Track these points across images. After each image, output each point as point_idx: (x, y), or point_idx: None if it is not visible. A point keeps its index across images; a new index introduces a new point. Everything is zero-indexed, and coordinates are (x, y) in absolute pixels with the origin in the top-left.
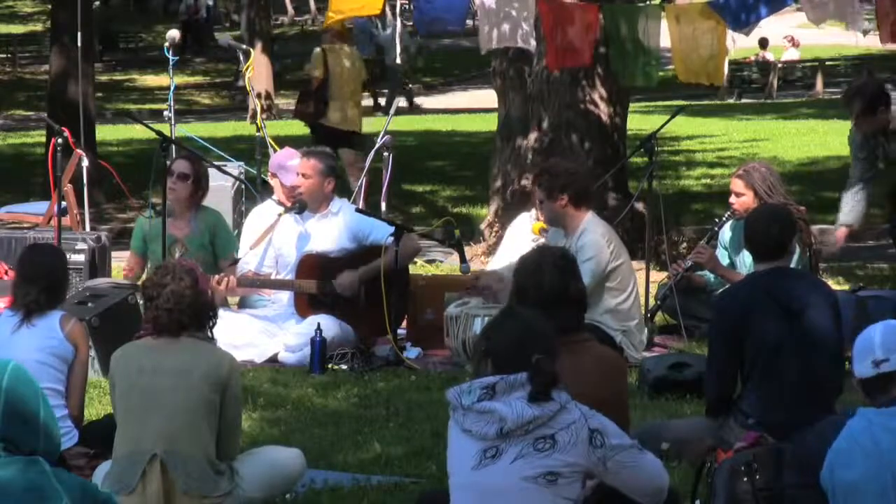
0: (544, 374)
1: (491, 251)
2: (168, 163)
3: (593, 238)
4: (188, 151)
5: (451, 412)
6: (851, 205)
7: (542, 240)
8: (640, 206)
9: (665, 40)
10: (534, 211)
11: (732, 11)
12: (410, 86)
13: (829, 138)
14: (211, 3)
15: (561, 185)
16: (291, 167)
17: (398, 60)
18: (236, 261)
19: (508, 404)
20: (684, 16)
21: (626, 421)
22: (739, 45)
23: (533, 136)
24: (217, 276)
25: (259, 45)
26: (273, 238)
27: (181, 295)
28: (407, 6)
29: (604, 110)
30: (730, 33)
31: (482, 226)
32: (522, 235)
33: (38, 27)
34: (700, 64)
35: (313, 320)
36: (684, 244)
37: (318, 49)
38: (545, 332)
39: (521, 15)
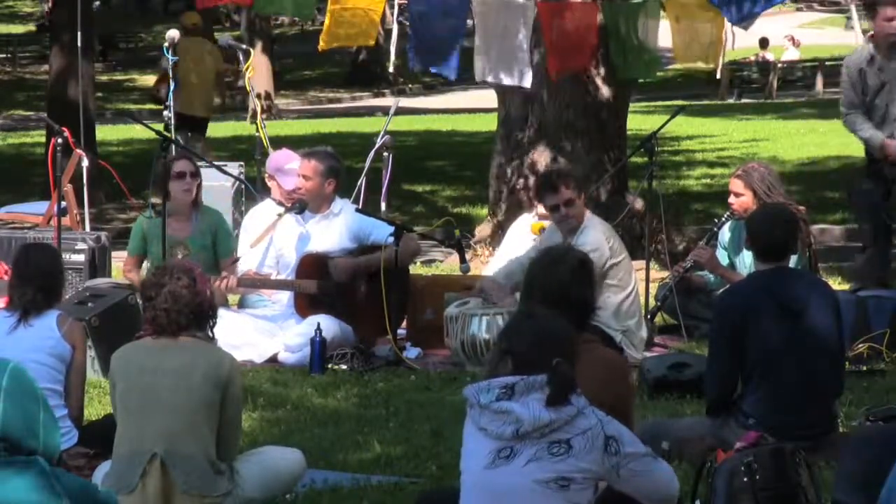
0: (563, 379)
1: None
2: (166, 163)
3: (595, 234)
4: (182, 149)
5: (468, 409)
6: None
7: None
8: (639, 205)
9: (665, 40)
10: (535, 211)
11: (731, 5)
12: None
13: (829, 138)
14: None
15: (579, 184)
16: (289, 170)
17: (391, 69)
18: (236, 260)
19: (526, 405)
20: (684, 11)
21: (630, 424)
22: (739, 45)
23: (533, 136)
24: (217, 276)
25: (259, 45)
26: (274, 238)
27: (179, 295)
28: (406, 5)
29: (604, 110)
30: (729, 29)
31: (474, 241)
32: (523, 236)
33: None
34: (700, 50)
35: (313, 320)
36: (683, 244)
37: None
38: (566, 335)
39: (518, 50)
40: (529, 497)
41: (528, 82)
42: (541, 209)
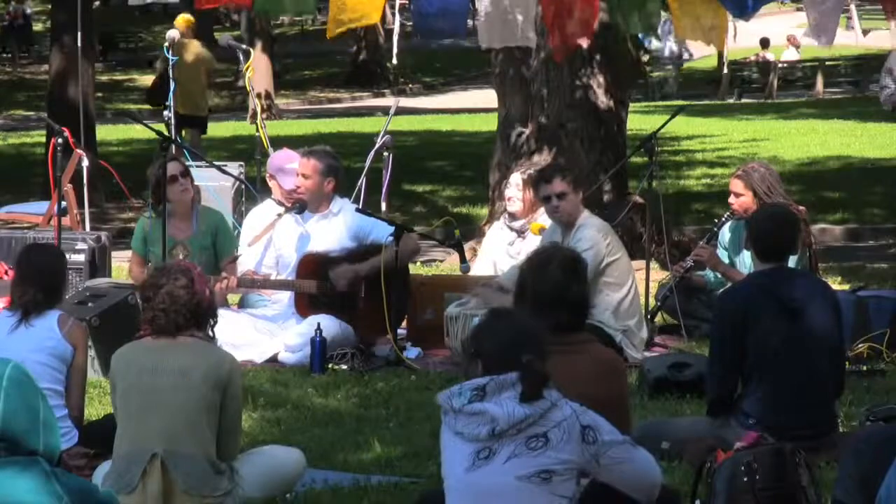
0: (535, 375)
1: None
2: (159, 167)
3: (590, 232)
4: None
5: (443, 416)
6: None
7: (531, 240)
8: (639, 205)
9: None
10: (505, 217)
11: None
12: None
13: (829, 138)
14: (29, 11)
15: (577, 180)
16: (290, 170)
17: (395, 61)
18: (236, 258)
19: (499, 404)
20: (686, 4)
21: (628, 422)
22: (740, 44)
23: (532, 135)
24: (217, 277)
25: (259, 45)
26: (273, 239)
27: (176, 295)
28: (407, 5)
29: (604, 110)
30: (730, 28)
31: (473, 240)
32: (497, 243)
33: (38, 27)
34: (702, 30)
35: (313, 320)
36: (681, 241)
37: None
38: (534, 333)
39: (522, 12)
40: (514, 494)
41: (532, 43)
42: (511, 205)
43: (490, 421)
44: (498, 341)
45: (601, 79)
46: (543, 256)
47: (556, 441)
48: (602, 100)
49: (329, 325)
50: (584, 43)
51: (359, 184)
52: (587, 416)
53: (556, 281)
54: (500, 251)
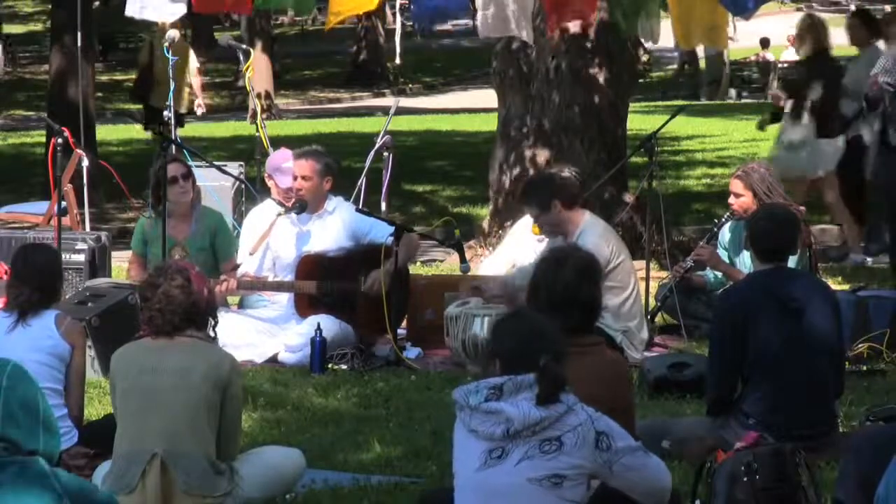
0: (552, 377)
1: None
2: (160, 167)
3: (592, 238)
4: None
5: (458, 412)
6: None
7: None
8: (639, 205)
9: (666, 40)
10: None
11: None
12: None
13: None
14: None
15: (549, 194)
16: (287, 169)
17: (398, 61)
18: (237, 266)
19: (515, 405)
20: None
21: (631, 426)
22: (740, 44)
23: (532, 135)
24: (217, 279)
25: (259, 45)
26: (270, 241)
27: (172, 296)
28: (407, 5)
29: (604, 110)
30: (731, 20)
31: (473, 240)
32: (525, 236)
33: (38, 27)
34: (702, 32)
35: (313, 320)
36: (681, 241)
37: (146, 38)
38: (553, 334)
39: (521, 4)
40: (523, 496)
41: (529, 37)
42: None
43: (505, 421)
44: (515, 341)
45: (602, 78)
46: (558, 257)
47: (570, 446)
48: (602, 99)
49: (329, 325)
50: (581, 27)
51: (359, 184)
52: (602, 422)
53: (569, 282)
54: (527, 245)
